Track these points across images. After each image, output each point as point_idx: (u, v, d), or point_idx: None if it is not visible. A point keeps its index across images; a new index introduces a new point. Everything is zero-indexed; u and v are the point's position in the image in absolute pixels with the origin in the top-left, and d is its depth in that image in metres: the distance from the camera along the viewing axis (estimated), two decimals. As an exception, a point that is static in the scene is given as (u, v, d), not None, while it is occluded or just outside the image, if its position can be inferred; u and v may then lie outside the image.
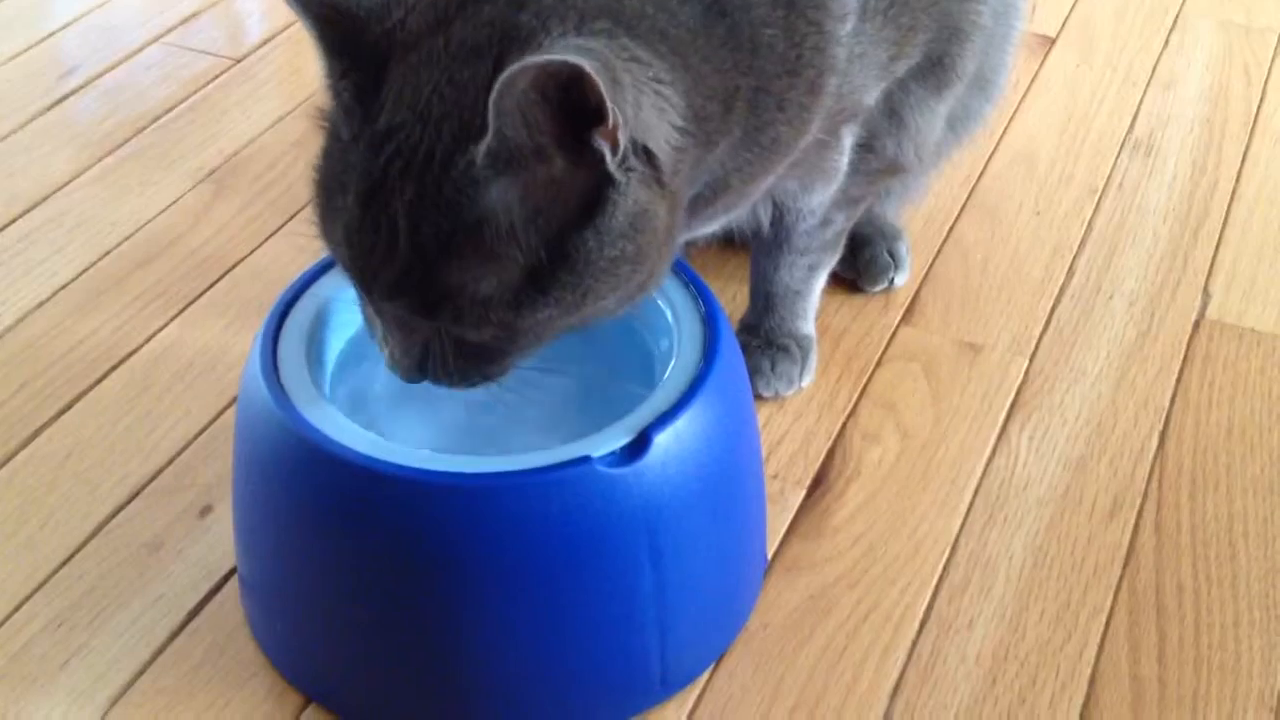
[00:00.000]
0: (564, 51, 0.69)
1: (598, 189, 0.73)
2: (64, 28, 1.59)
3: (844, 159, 1.01)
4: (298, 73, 1.52)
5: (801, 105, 0.87)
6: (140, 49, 1.56)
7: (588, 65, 0.66)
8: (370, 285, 0.77)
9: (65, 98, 1.48)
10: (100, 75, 1.51)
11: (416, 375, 0.81)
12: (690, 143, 0.78)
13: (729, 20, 0.81)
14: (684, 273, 0.91)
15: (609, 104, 0.68)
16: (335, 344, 0.92)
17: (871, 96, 0.96)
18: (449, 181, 0.72)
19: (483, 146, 0.71)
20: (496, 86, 0.67)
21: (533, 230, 0.73)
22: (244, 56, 1.54)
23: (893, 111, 1.01)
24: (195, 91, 1.48)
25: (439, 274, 0.74)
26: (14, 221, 1.30)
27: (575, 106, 0.69)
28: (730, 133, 0.83)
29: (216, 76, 1.51)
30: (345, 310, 0.92)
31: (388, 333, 0.81)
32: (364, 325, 0.85)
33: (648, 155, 0.74)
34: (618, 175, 0.73)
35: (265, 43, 1.57)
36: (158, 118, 1.44)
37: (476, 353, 0.79)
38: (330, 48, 0.76)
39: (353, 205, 0.75)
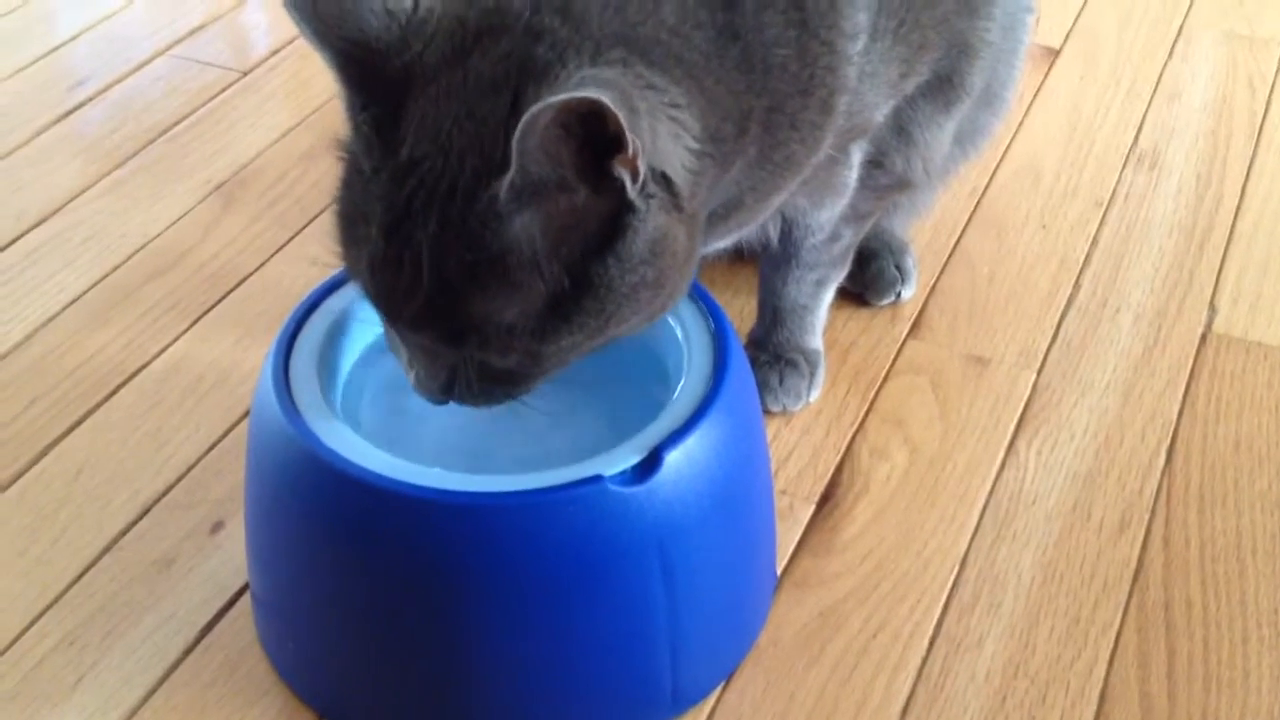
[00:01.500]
0: (582, 86, 0.70)
1: (618, 217, 0.74)
2: (72, 40, 1.60)
3: (853, 175, 1.01)
4: (305, 85, 1.52)
5: (814, 124, 0.88)
6: (148, 61, 1.56)
7: (607, 99, 0.67)
8: (396, 316, 0.78)
9: (74, 110, 1.48)
10: (109, 88, 1.51)
11: (442, 398, 0.82)
12: (707, 164, 0.79)
13: (742, 43, 0.81)
14: (693, 289, 0.91)
15: (628, 134, 0.69)
16: (348, 360, 0.93)
17: (881, 114, 0.97)
18: (472, 215, 0.73)
19: (506, 181, 0.71)
20: (520, 126, 0.68)
21: (555, 259, 0.74)
22: (251, 69, 1.55)
23: (901, 128, 1.01)
24: (203, 104, 1.49)
25: (463, 305, 0.75)
26: (23, 235, 1.30)
27: (595, 138, 0.69)
28: (745, 152, 0.84)
29: (224, 89, 1.51)
30: (358, 326, 0.92)
31: (413, 358, 0.81)
32: (387, 345, 0.85)
33: (665, 181, 0.75)
34: (638, 202, 0.73)
35: (272, 55, 1.57)
36: (166, 130, 1.45)
37: (501, 376, 0.80)
38: (349, 81, 0.76)
39: (376, 237, 0.75)
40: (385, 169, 0.75)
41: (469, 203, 0.73)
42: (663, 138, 0.75)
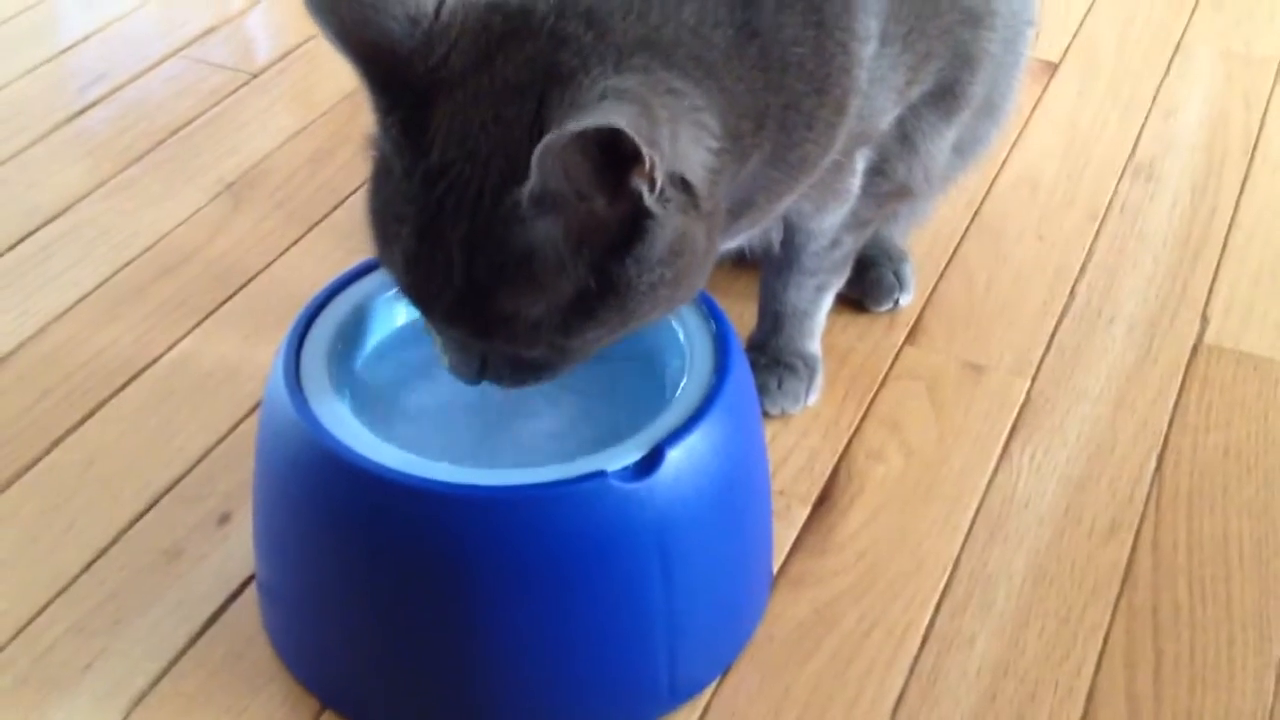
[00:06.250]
0: (602, 104, 0.73)
1: (636, 221, 0.76)
2: (83, 40, 1.61)
3: (856, 181, 1.03)
4: (313, 88, 1.54)
5: (829, 123, 0.90)
6: (159, 62, 1.58)
7: (625, 124, 0.69)
8: (429, 310, 0.81)
9: (84, 110, 1.50)
10: (119, 88, 1.53)
11: (476, 380, 0.85)
12: (726, 161, 0.81)
13: (760, 41, 0.84)
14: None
15: (644, 150, 0.71)
16: (358, 356, 0.94)
17: (887, 120, 0.99)
18: (498, 219, 0.75)
19: (526, 190, 0.73)
20: (538, 151, 0.70)
21: (578, 261, 0.76)
22: (260, 71, 1.57)
23: (904, 136, 1.03)
24: (213, 105, 1.51)
25: (492, 302, 0.77)
26: (34, 232, 1.32)
27: (613, 153, 0.72)
28: (761, 147, 0.86)
29: (234, 90, 1.53)
30: (369, 322, 0.94)
31: (446, 345, 0.84)
32: (411, 328, 0.89)
33: (684, 184, 0.77)
34: (655, 209, 0.76)
35: (281, 58, 1.59)
36: (176, 130, 1.46)
37: (528, 364, 0.83)
38: (375, 85, 0.78)
39: (409, 237, 0.78)
40: (416, 172, 0.77)
41: (495, 207, 0.75)
42: (683, 142, 0.77)
